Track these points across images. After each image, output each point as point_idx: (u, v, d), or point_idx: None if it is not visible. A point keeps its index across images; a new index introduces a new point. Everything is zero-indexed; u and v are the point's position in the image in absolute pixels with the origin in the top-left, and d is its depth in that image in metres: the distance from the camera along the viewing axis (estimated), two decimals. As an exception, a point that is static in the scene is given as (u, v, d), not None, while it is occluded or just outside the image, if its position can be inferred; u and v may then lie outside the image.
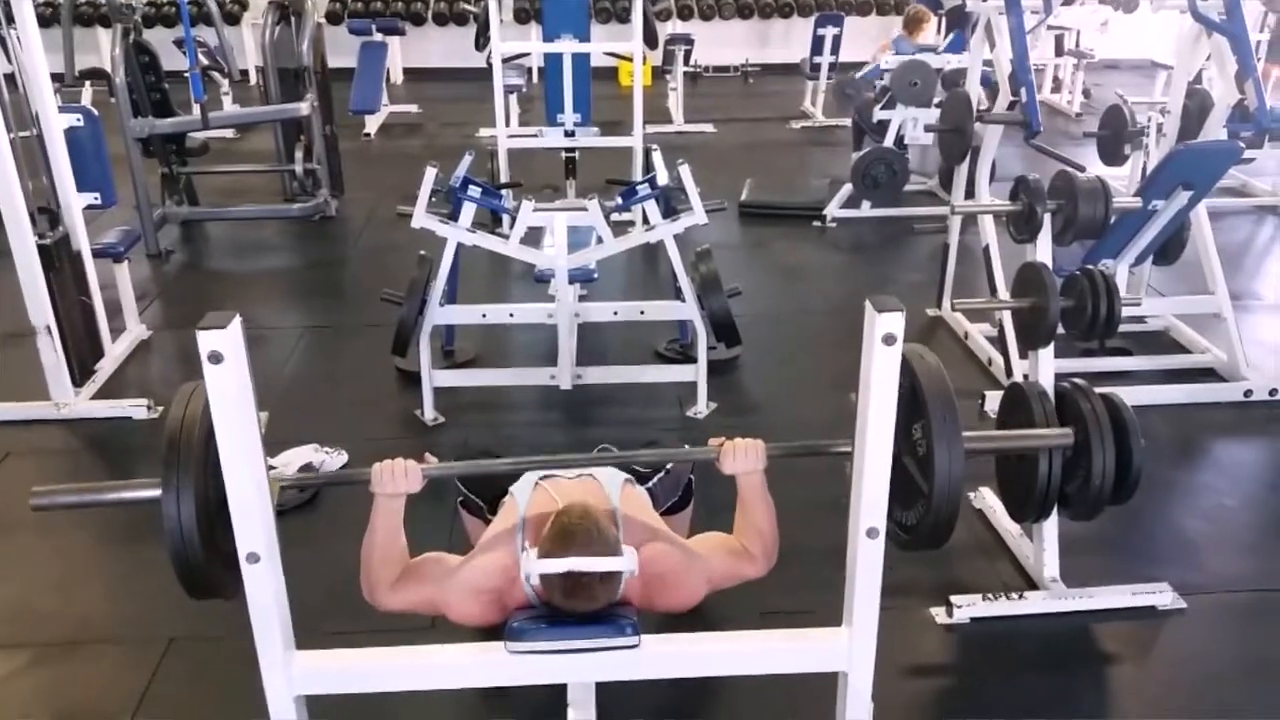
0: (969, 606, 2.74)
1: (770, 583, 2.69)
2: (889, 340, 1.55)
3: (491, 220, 4.81)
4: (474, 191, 3.61)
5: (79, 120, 3.89)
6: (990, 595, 2.78)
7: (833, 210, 6.02)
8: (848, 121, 7.30)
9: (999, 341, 4.07)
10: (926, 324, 4.64)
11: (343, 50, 8.27)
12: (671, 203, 3.78)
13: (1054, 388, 2.73)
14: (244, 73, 8.75)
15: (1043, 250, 2.84)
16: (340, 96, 6.71)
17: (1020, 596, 2.79)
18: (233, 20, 9.81)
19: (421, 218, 3.55)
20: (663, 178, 3.85)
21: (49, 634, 2.70)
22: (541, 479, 2.17)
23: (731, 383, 4.01)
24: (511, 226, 3.67)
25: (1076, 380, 2.83)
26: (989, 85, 4.72)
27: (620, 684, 2.38)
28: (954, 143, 4.40)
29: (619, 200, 3.86)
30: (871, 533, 1.70)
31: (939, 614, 2.75)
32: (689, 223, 3.61)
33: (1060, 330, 2.87)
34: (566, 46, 5.47)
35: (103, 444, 3.67)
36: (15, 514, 3.25)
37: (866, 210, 6.04)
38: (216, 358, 1.50)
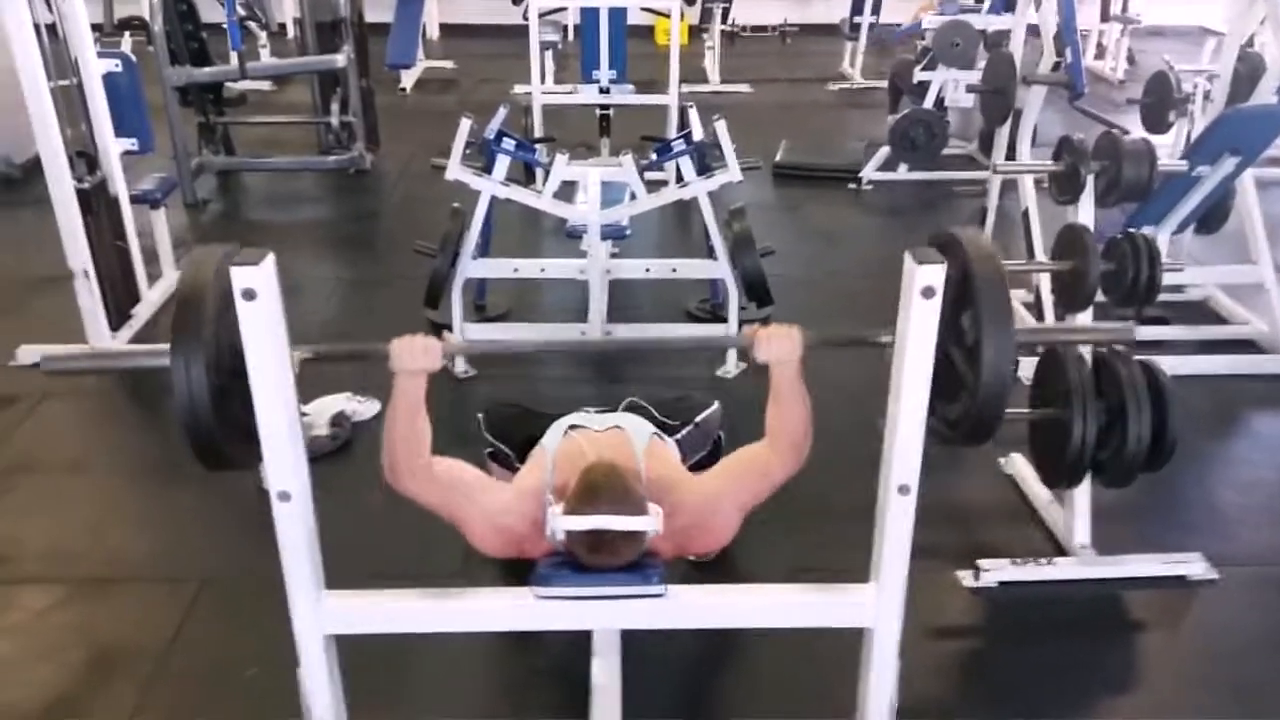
0: (996, 570, 2.73)
1: (802, 540, 2.72)
2: (928, 293, 1.53)
3: (525, 176, 4.79)
4: (508, 144, 3.59)
5: (117, 66, 3.90)
6: (1019, 560, 2.76)
7: (869, 173, 5.94)
8: (886, 84, 7.19)
9: (1034, 307, 4.01)
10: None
11: (380, 5, 8.21)
12: (706, 160, 3.74)
13: (1091, 353, 2.70)
14: (281, 25, 8.74)
15: (1085, 212, 2.79)
16: (377, 51, 6.68)
17: (1049, 562, 2.77)
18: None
19: (455, 170, 3.54)
20: (699, 136, 3.82)
21: (83, 571, 2.75)
22: (571, 428, 2.17)
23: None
24: (545, 181, 3.65)
25: (1114, 346, 2.81)
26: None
27: (646, 635, 2.44)
28: (996, 104, 4.32)
29: (654, 156, 3.83)
30: (903, 490, 1.68)
31: (965, 577, 2.74)
32: (724, 180, 3.57)
33: (1100, 296, 2.83)
34: (603, 1, 5.41)
35: (137, 386, 3.72)
36: (52, 454, 3.32)
37: (903, 173, 5.96)
38: (250, 294, 1.50)
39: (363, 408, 3.48)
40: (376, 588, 1.85)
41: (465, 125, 3.51)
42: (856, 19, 8.33)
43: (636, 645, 2.37)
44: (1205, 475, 3.28)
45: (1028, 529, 2.97)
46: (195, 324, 1.54)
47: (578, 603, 1.76)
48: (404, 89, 8.11)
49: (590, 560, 1.77)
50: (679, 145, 3.69)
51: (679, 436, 2.44)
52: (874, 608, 1.79)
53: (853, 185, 5.94)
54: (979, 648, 2.62)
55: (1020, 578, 2.73)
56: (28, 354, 3.81)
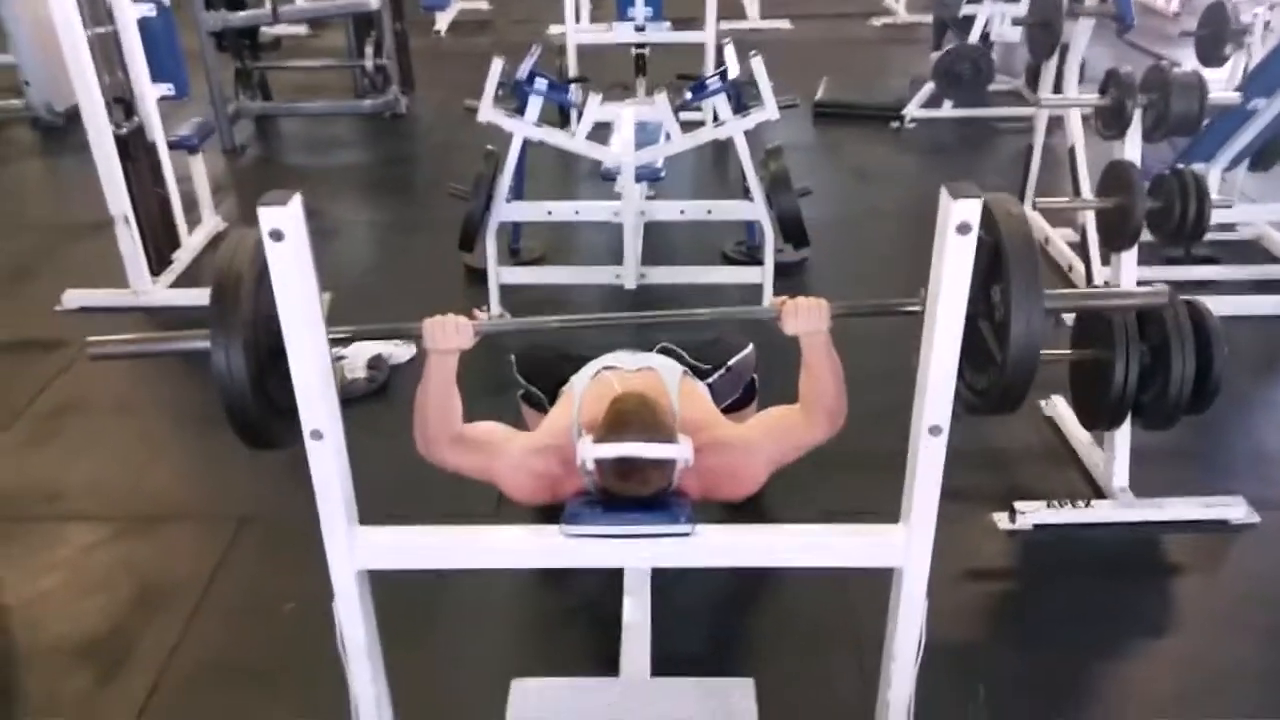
0: (1033, 513, 2.71)
1: (833, 484, 2.71)
2: (964, 229, 1.49)
3: (559, 119, 4.75)
4: (540, 85, 3.55)
5: (152, 10, 3.89)
6: (1055, 502, 2.73)
7: (912, 110, 5.82)
8: (930, 19, 6.99)
9: (1080, 248, 3.93)
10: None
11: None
12: (743, 99, 3.67)
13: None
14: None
15: (1131, 148, 2.70)
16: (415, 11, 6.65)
17: (1087, 505, 2.74)
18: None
19: (487, 111, 3.52)
20: (735, 74, 3.75)
21: (128, 509, 2.83)
22: (602, 369, 2.17)
23: (798, 285, 3.94)
24: (579, 122, 3.61)
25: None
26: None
27: (676, 577, 2.47)
28: (1042, 38, 4.18)
29: (689, 96, 3.77)
30: (934, 430, 1.65)
31: (1001, 519, 2.72)
32: (760, 118, 3.51)
33: (1146, 235, 2.76)
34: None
35: (179, 329, 3.76)
36: (98, 397, 3.39)
37: (948, 110, 5.83)
38: (277, 235, 1.50)
39: (400, 351, 3.50)
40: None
41: (497, 66, 3.47)
42: (901, -50, 8.09)
43: (668, 587, 2.39)
44: (1249, 419, 3.22)
45: (1067, 472, 2.94)
46: (233, 305, 1.58)
47: (606, 541, 1.77)
48: (438, 31, 8.05)
49: (620, 488, 1.78)
50: (714, 83, 3.62)
51: (711, 381, 2.43)
52: (904, 547, 1.77)
53: (895, 124, 5.83)
54: (1013, 589, 2.61)
55: (1056, 520, 2.71)
56: (72, 298, 3.89)
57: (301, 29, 7.78)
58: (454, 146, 5.56)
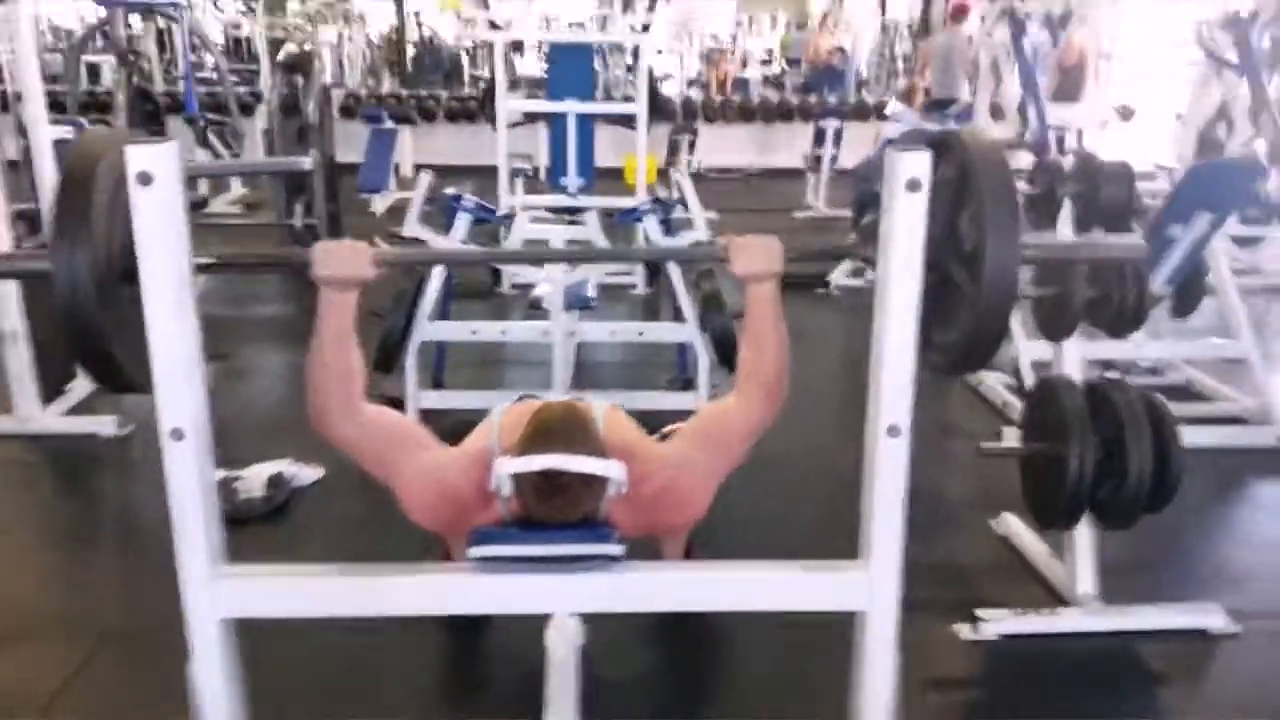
0: (996, 621, 2.47)
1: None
2: (913, 186, 1.36)
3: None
4: (468, 202, 3.48)
5: (70, 133, 3.80)
6: (1020, 610, 2.50)
7: (837, 278, 5.92)
8: (849, 212, 7.26)
9: (1016, 390, 3.87)
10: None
11: (356, 146, 8.30)
12: (672, 226, 3.64)
13: (1084, 383, 2.53)
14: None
15: (1064, 236, 2.68)
16: (350, 185, 6.70)
17: (1054, 612, 2.51)
18: (247, 110, 9.94)
19: (414, 226, 3.42)
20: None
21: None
22: (523, 398, 1.95)
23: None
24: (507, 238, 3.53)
25: (1108, 375, 2.65)
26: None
27: (608, 628, 2.20)
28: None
29: (619, 215, 3.73)
30: (893, 431, 1.47)
31: (963, 630, 2.47)
32: (691, 238, 3.47)
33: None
34: (571, 107, 5.46)
35: (59, 456, 3.46)
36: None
37: (870, 279, 5.91)
38: (146, 179, 1.31)
39: (302, 473, 3.22)
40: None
41: (424, 180, 3.41)
42: (818, 152, 8.52)
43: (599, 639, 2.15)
44: (1211, 535, 3.07)
45: (1027, 585, 2.72)
46: (81, 212, 1.34)
47: (522, 578, 1.50)
48: (374, 212, 8.12)
49: (543, 512, 1.53)
50: (644, 205, 3.59)
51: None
52: (866, 586, 1.54)
53: (821, 289, 5.90)
54: (981, 699, 2.34)
55: (1023, 629, 2.47)
56: (-54, 422, 3.56)
57: (236, 208, 7.80)
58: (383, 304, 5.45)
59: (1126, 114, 7.89)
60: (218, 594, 1.48)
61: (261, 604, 1.53)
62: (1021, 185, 2.86)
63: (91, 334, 1.37)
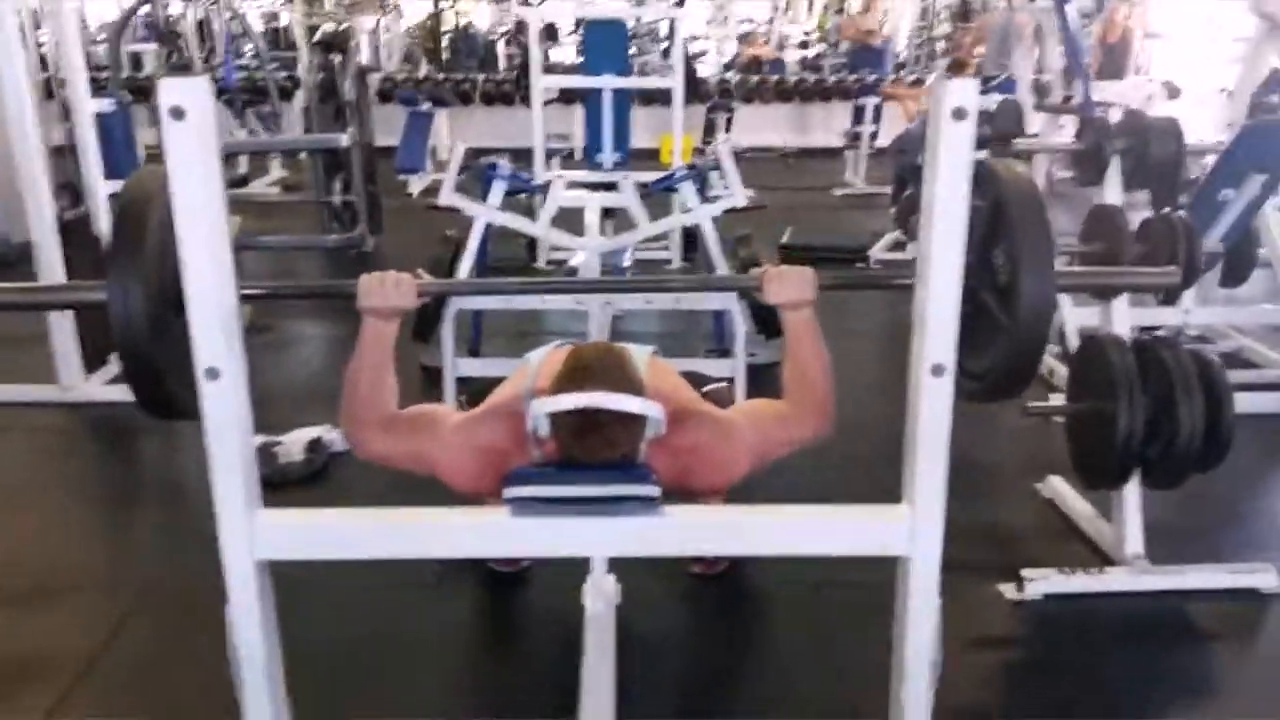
0: (1042, 581, 2.42)
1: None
2: (959, 114, 1.32)
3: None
4: (504, 169, 3.47)
5: (110, 105, 3.84)
6: (1067, 569, 2.45)
7: (877, 252, 5.84)
8: (888, 189, 7.17)
9: (1061, 357, 3.80)
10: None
11: (394, 130, 8.33)
12: (708, 188, 3.61)
13: (1132, 341, 2.47)
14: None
15: (1111, 193, 2.61)
16: (387, 168, 6.73)
17: (1101, 572, 2.46)
18: (286, 95, 10.02)
19: (449, 195, 3.41)
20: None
21: (12, 582, 2.50)
22: (560, 345, 1.94)
23: (774, 388, 3.75)
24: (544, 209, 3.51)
25: (1157, 333, 2.59)
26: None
27: (646, 625, 2.24)
28: (1005, 154, 4.22)
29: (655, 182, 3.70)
30: (937, 370, 1.42)
31: (1008, 590, 2.43)
32: (727, 204, 3.43)
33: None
34: (606, 81, 5.42)
35: (99, 423, 3.51)
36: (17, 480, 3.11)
37: (911, 254, 5.83)
38: (178, 113, 1.30)
39: (341, 438, 3.22)
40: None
41: (460, 150, 3.40)
42: (857, 129, 8.43)
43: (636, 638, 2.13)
44: (1260, 498, 3.02)
45: (1072, 545, 2.67)
46: (136, 244, 1.38)
47: (559, 521, 1.48)
48: (411, 194, 8.15)
49: (580, 450, 1.51)
50: (680, 172, 3.56)
51: None
52: (909, 530, 1.50)
53: (860, 264, 5.82)
54: (1027, 658, 2.30)
55: (1068, 589, 2.43)
56: (-8, 394, 3.62)
57: (275, 190, 7.86)
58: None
59: (1173, 91, 7.70)
60: (254, 535, 1.48)
61: (298, 546, 1.53)
62: (1065, 141, 2.80)
63: (144, 361, 1.41)
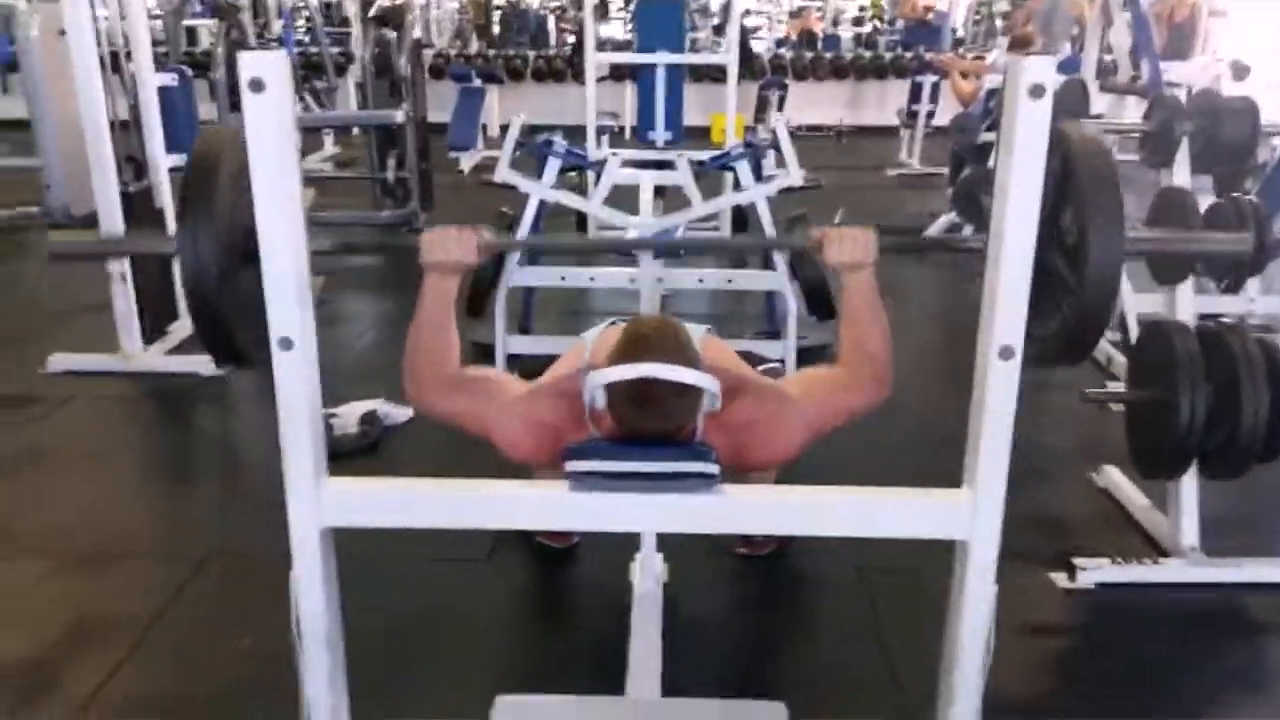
0: (1095, 570, 2.40)
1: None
2: (1037, 92, 1.30)
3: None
4: (559, 146, 3.47)
5: (173, 79, 3.90)
6: (1120, 559, 2.43)
7: (934, 233, 5.77)
8: (945, 170, 7.08)
9: (1121, 345, 3.73)
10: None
11: (445, 107, 8.37)
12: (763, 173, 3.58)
13: (1197, 328, 2.43)
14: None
15: (1180, 175, 2.56)
16: (438, 145, 6.75)
17: (1155, 562, 2.43)
18: (340, 70, 10.10)
19: (504, 171, 3.42)
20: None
21: (80, 548, 2.56)
22: (615, 323, 1.95)
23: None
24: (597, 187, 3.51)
25: (1223, 320, 2.53)
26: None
27: (692, 607, 2.24)
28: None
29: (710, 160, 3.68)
30: (1005, 353, 1.41)
31: (1059, 578, 2.41)
32: (783, 183, 3.41)
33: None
34: (660, 58, 5.39)
35: (163, 391, 3.58)
36: (66, 446, 3.19)
37: (968, 235, 5.76)
38: (258, 85, 1.32)
39: (395, 411, 3.27)
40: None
41: (516, 124, 3.41)
42: (914, 107, 8.32)
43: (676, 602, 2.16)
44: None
45: (1126, 536, 2.64)
46: (206, 197, 1.41)
47: (617, 496, 1.49)
48: (462, 170, 8.20)
49: (636, 420, 1.52)
50: (736, 149, 3.54)
51: None
52: (970, 514, 1.49)
53: (915, 246, 5.76)
54: (1079, 646, 2.29)
55: (1122, 579, 2.40)
56: (57, 362, 3.70)
57: (327, 167, 7.94)
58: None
59: (1240, 72, 7.50)
60: (321, 503, 1.50)
61: (363, 514, 1.55)
62: (1133, 122, 2.74)
63: (213, 311, 1.44)
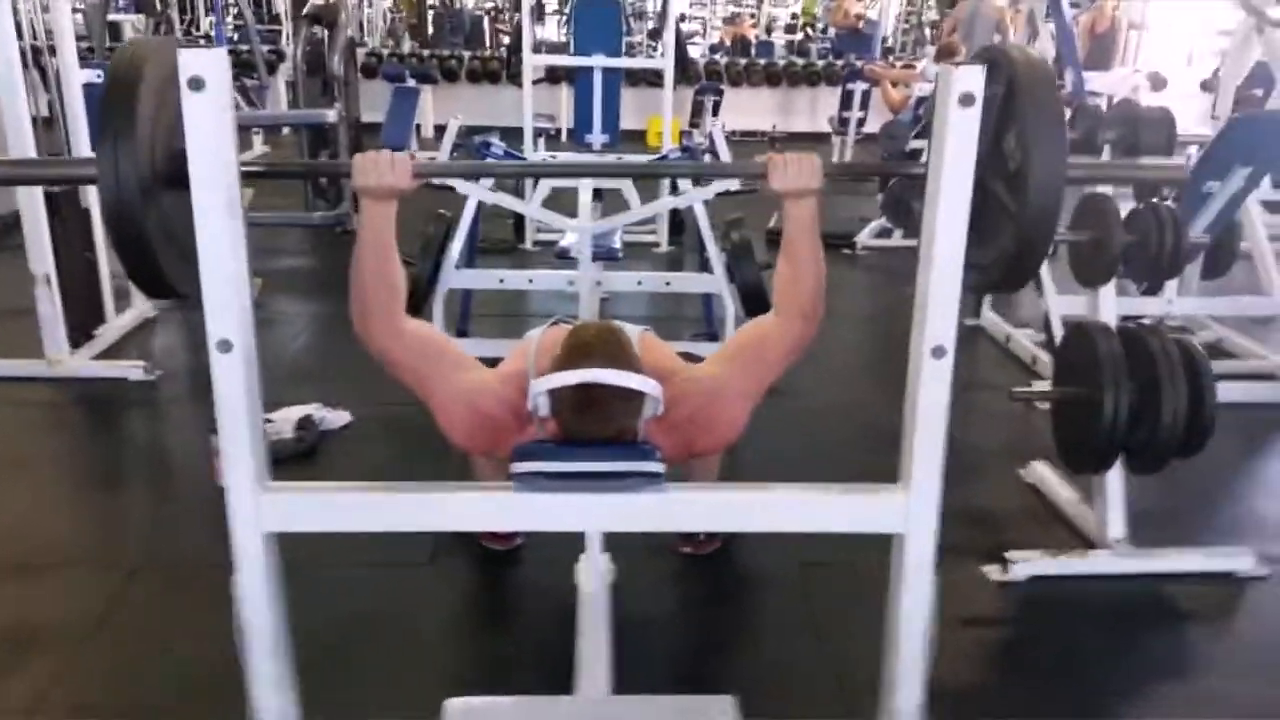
0: (1026, 563, 2.47)
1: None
2: (967, 100, 1.35)
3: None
4: (498, 149, 3.47)
5: (99, 77, 3.80)
6: (1051, 551, 2.50)
7: (864, 239, 5.87)
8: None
9: (1045, 345, 3.85)
10: (965, 333, 4.41)
11: (379, 106, 8.27)
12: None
13: (1119, 329, 2.52)
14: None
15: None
16: (371, 145, 6.64)
17: (1083, 554, 2.51)
18: (271, 69, 9.93)
19: (442, 172, 3.40)
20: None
21: (5, 558, 2.48)
22: (557, 322, 1.96)
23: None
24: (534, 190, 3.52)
25: (1142, 321, 2.63)
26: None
27: (638, 605, 2.24)
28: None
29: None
30: (937, 352, 1.46)
31: (992, 571, 2.48)
32: (720, 188, 3.45)
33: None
34: (598, 61, 5.41)
35: (88, 398, 3.49)
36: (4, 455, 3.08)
37: (897, 240, 5.88)
38: (197, 84, 1.31)
39: (331, 416, 3.23)
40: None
41: (454, 125, 3.40)
42: (845, 114, 8.45)
43: (629, 616, 2.15)
44: (1240, 486, 3.08)
45: (1055, 529, 2.72)
46: (127, 114, 1.33)
47: (562, 497, 1.50)
48: (395, 173, 8.10)
49: (579, 425, 1.53)
50: (673, 154, 3.57)
51: None
52: (905, 509, 1.54)
53: (847, 250, 5.86)
54: (1011, 636, 2.35)
55: (1052, 571, 2.47)
56: (-25, 365, 3.59)
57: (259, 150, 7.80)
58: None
59: (1158, 83, 7.76)
60: (262, 507, 1.49)
61: (305, 518, 1.54)
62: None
63: (136, 237, 1.37)
